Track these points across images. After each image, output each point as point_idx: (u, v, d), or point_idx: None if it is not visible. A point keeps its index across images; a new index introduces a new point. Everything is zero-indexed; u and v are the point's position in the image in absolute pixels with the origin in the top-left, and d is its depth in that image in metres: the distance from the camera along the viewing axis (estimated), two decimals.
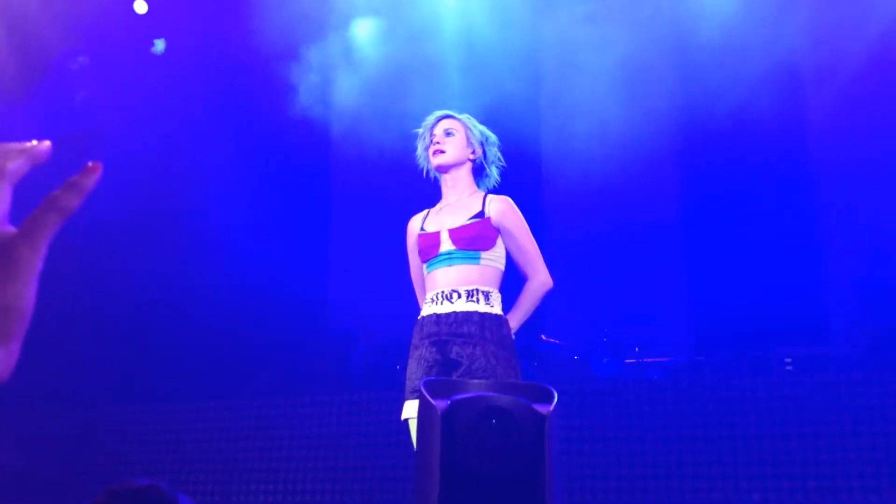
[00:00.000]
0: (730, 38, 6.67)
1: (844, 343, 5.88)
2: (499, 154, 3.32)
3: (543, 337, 6.32)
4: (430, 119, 3.32)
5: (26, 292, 0.65)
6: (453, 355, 2.98)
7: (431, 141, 3.25)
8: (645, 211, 7.14)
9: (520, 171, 3.31)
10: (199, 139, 7.37)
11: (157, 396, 6.45)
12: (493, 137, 3.31)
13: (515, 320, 3.08)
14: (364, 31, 7.49)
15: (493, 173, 3.29)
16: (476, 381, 2.33)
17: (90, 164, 0.70)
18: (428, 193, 3.43)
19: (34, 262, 0.66)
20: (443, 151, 3.20)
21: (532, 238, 3.15)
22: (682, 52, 7.08)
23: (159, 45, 7.56)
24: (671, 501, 4.69)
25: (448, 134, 3.23)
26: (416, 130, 3.35)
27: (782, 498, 4.53)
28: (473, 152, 3.24)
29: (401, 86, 7.07)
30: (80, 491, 5.55)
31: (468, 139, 3.24)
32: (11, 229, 0.66)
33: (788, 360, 5.37)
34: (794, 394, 4.73)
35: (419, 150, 3.33)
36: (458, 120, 3.28)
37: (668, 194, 7.28)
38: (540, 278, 3.11)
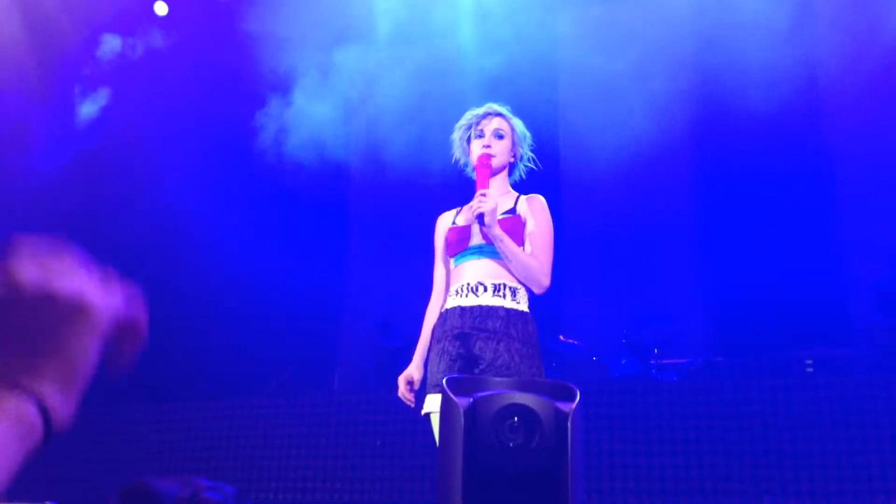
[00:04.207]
0: (748, 33, 6.64)
1: (865, 344, 5.83)
2: (530, 152, 3.19)
3: (562, 338, 6.31)
4: (481, 110, 3.14)
5: (92, 350, 0.70)
6: (476, 350, 2.90)
7: (480, 134, 3.09)
8: (663, 212, 7.11)
9: (537, 175, 3.24)
10: (212, 143, 7.41)
11: (177, 395, 6.49)
12: (529, 135, 3.19)
13: (498, 236, 2.88)
14: (382, 34, 7.50)
15: (521, 168, 3.19)
16: (499, 378, 2.32)
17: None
18: (446, 198, 3.35)
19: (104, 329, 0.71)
20: (492, 156, 3.04)
21: (550, 241, 3.00)
22: (700, 47, 7.04)
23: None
24: (689, 503, 4.67)
25: (499, 136, 3.09)
26: (460, 125, 3.15)
27: (803, 500, 4.49)
28: (514, 154, 3.13)
29: (417, 86, 7.08)
30: (101, 489, 5.59)
31: (514, 142, 3.12)
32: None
33: (809, 361, 5.33)
34: (814, 396, 4.69)
35: (457, 135, 3.17)
36: (509, 122, 3.14)
37: (686, 194, 7.24)
38: (543, 268, 2.95)
